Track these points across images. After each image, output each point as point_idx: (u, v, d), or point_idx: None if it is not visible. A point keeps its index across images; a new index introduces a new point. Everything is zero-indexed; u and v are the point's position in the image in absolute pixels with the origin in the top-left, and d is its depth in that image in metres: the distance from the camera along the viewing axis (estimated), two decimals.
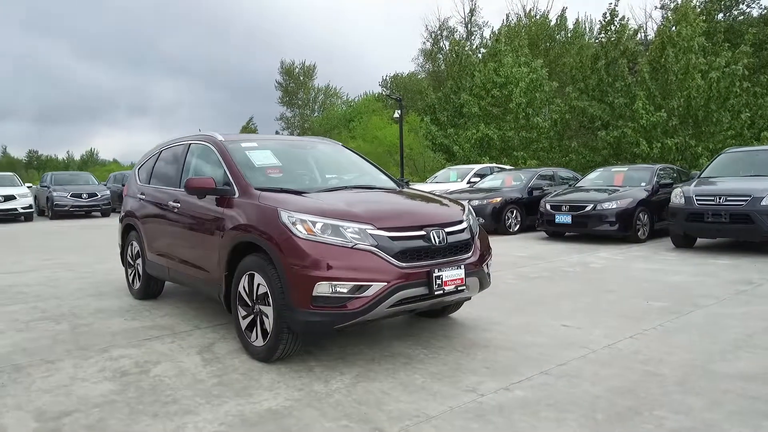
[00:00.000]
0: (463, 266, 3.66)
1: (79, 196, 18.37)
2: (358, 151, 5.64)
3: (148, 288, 5.47)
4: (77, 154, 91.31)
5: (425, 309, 3.81)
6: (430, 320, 4.62)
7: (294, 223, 3.42)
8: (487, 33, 40.35)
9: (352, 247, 3.35)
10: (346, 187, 4.36)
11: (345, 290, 3.26)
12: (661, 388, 3.13)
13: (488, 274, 4.04)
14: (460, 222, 3.91)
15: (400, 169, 22.39)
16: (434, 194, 4.61)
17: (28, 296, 5.85)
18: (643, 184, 10.28)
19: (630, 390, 3.12)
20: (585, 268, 7.14)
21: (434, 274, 3.48)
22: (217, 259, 4.04)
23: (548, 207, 10.39)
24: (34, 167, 76.17)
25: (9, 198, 16.73)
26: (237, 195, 3.98)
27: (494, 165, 16.49)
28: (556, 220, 10.14)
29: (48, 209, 18.45)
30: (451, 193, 12.63)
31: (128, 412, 2.92)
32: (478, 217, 11.57)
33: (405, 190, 4.67)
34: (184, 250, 4.62)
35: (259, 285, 3.61)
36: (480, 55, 29.08)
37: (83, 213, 18.71)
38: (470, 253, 3.82)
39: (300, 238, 3.36)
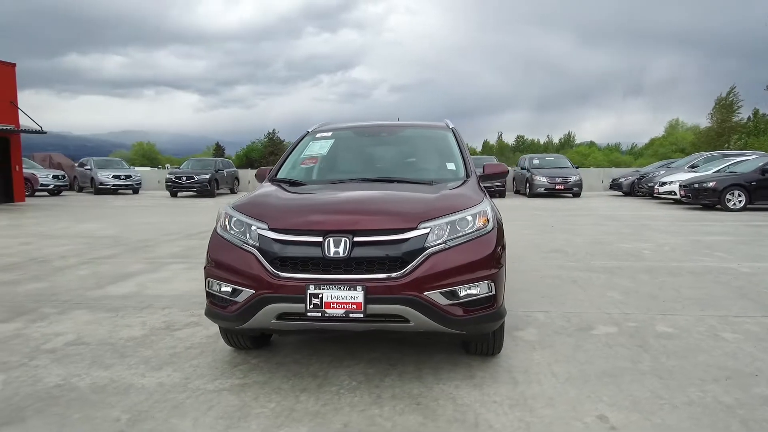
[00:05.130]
0: (362, 288, 2.79)
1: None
2: None
3: None
4: (556, 137, 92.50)
5: (358, 330, 2.91)
6: (469, 357, 3.52)
7: (221, 217, 3.40)
8: None
9: (240, 247, 3.09)
10: (360, 180, 3.92)
11: (228, 290, 3.06)
12: None
13: (451, 306, 2.88)
14: (405, 230, 2.92)
15: None
16: (447, 189, 3.55)
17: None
18: None
19: None
20: None
21: (309, 291, 2.82)
22: None
23: None
24: (520, 150, 78.98)
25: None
26: None
27: None
28: None
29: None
30: None
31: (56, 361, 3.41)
32: None
33: (442, 188, 3.56)
34: None
35: None
36: None
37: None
38: (398, 273, 2.84)
39: (215, 232, 3.34)
